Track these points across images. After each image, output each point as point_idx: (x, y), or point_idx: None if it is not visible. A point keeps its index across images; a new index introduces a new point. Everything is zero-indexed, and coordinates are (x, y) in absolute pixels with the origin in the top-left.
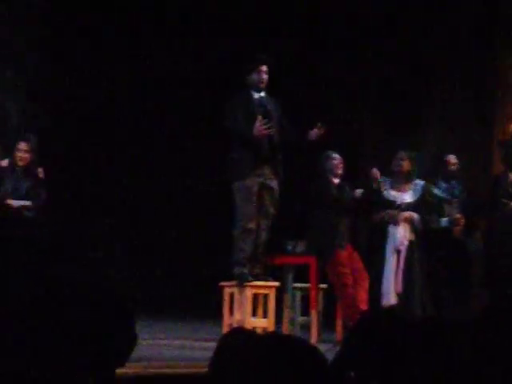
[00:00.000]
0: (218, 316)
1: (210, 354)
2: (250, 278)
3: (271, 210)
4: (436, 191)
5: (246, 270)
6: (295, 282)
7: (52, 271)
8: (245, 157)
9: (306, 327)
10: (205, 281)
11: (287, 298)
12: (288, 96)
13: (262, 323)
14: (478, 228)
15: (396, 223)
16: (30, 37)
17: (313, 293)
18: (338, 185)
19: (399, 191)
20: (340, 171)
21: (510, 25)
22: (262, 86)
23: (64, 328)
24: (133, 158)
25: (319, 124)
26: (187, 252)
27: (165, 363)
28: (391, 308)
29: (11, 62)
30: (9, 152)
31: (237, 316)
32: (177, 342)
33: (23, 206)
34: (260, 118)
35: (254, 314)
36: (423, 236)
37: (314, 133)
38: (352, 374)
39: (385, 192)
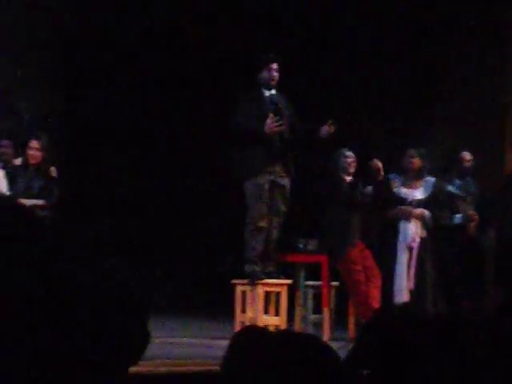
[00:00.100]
0: (229, 314)
1: (222, 352)
2: (262, 276)
3: (282, 208)
4: (450, 188)
5: (257, 268)
6: (307, 279)
7: (61, 269)
8: (256, 154)
9: (318, 325)
10: (215, 279)
11: (299, 295)
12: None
13: (274, 321)
14: (492, 225)
15: (409, 219)
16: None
17: (325, 290)
18: (350, 182)
19: (410, 188)
20: (353, 169)
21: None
22: (273, 83)
23: (77, 327)
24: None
25: (330, 121)
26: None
27: (177, 361)
28: (404, 305)
29: (22, 62)
30: (21, 151)
31: (249, 314)
32: (188, 340)
33: (36, 206)
34: (271, 115)
35: (266, 311)
36: (434, 233)
37: (325, 130)
38: (365, 372)
39: (396, 189)
